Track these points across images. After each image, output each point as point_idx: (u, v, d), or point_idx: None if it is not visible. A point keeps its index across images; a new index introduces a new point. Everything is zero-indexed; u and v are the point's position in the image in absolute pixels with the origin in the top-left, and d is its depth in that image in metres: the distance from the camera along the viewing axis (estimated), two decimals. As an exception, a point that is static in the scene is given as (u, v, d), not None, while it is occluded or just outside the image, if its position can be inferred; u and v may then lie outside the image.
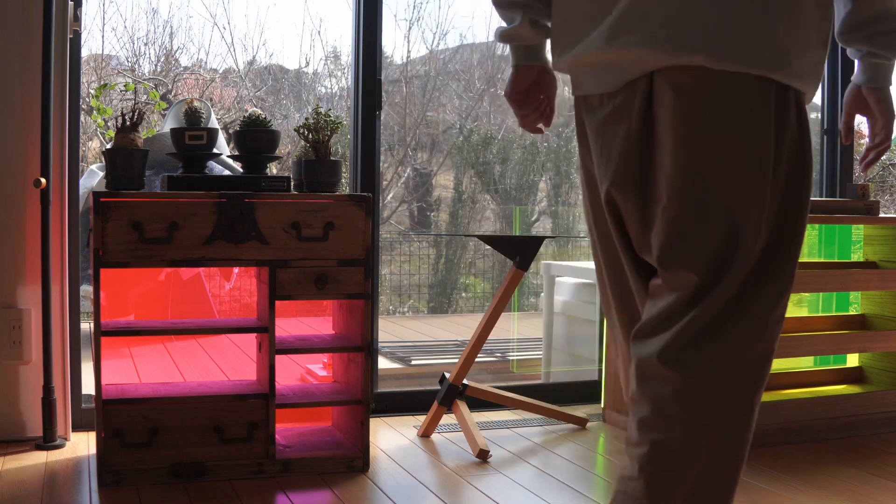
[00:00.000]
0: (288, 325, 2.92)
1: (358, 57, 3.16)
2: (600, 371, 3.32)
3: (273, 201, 2.48)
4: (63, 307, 2.80)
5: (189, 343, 3.01)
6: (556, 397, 3.41)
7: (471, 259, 6.92)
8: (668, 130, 1.42)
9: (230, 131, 4.74)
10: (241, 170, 2.65)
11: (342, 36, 6.72)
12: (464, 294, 6.87)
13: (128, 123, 2.51)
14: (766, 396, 3.09)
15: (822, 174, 3.86)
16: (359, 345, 2.60)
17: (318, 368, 3.00)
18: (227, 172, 3.27)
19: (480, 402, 3.14)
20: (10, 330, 2.77)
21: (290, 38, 7.15)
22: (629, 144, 1.47)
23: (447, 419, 3.11)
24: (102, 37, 5.96)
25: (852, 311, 3.43)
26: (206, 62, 6.35)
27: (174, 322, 2.70)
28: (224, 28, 6.25)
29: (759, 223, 1.41)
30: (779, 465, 2.70)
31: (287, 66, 6.61)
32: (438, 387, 2.97)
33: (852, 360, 3.42)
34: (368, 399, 2.59)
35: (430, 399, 3.07)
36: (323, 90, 6.77)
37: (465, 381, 2.95)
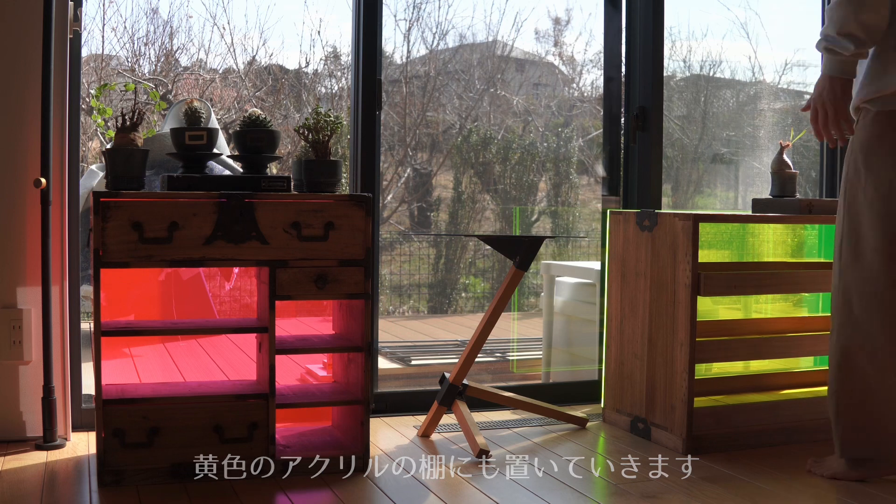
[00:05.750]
0: (288, 325, 2.92)
1: (358, 57, 3.16)
2: (600, 371, 3.32)
3: (273, 201, 2.48)
4: (63, 307, 2.80)
5: (189, 343, 3.01)
6: (556, 397, 3.41)
7: (471, 259, 6.92)
8: None
9: (230, 131, 4.74)
10: (241, 170, 2.65)
11: (342, 36, 6.72)
12: (464, 294, 6.87)
13: (128, 123, 2.51)
14: (766, 396, 3.09)
15: (821, 174, 3.86)
16: (359, 345, 2.60)
17: (318, 368, 3.00)
18: (227, 172, 3.27)
19: (480, 402, 3.14)
20: (10, 330, 2.77)
21: (290, 38, 7.15)
22: None
23: (447, 419, 3.11)
24: (102, 37, 5.96)
25: (852, 311, 3.43)
26: (206, 62, 6.36)
27: (174, 322, 2.70)
28: (224, 28, 6.25)
29: None
30: (779, 465, 2.70)
31: (287, 66, 6.61)
32: (438, 387, 2.97)
33: (852, 360, 3.42)
34: (368, 399, 2.59)
35: (430, 399, 3.07)
36: (323, 90, 6.77)
37: (465, 381, 2.95)
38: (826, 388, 3.23)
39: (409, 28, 6.76)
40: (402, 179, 6.83)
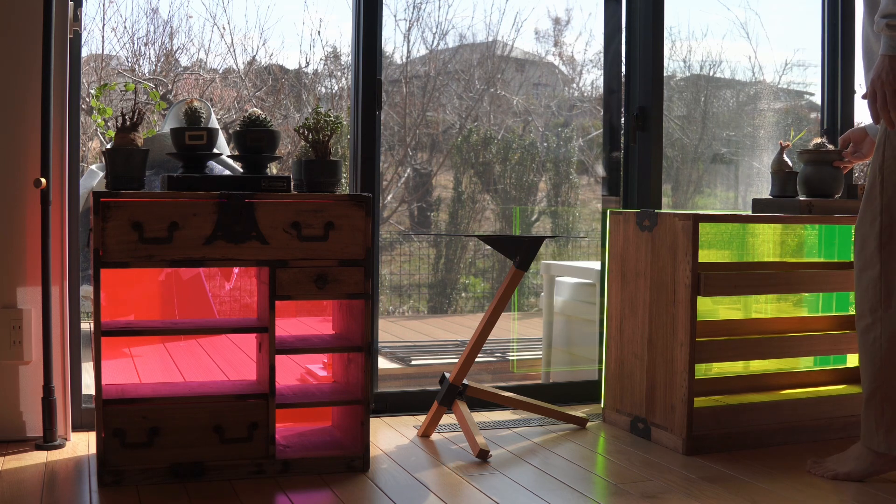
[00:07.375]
0: (288, 325, 2.92)
1: (358, 57, 3.16)
2: (600, 371, 3.32)
3: (273, 201, 2.48)
4: (63, 307, 2.80)
5: (189, 343, 3.02)
6: (556, 397, 3.41)
7: (471, 259, 6.92)
8: None
9: (230, 131, 4.74)
10: (241, 170, 2.65)
11: (342, 36, 6.73)
12: (464, 294, 6.87)
13: (128, 123, 2.51)
14: (766, 396, 3.09)
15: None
16: (359, 345, 2.60)
17: (318, 368, 3.01)
18: (227, 172, 3.27)
19: (480, 402, 3.14)
20: (10, 330, 2.77)
21: (290, 38, 7.15)
22: None
23: (447, 419, 3.11)
24: (102, 37, 5.96)
25: (852, 311, 3.43)
26: (206, 62, 6.36)
27: (174, 322, 2.70)
28: (224, 28, 6.25)
29: None
30: (779, 465, 2.70)
31: (287, 66, 6.62)
32: (438, 387, 2.97)
33: (852, 361, 3.42)
34: (368, 399, 2.59)
35: (430, 399, 3.07)
36: (323, 90, 6.77)
37: (465, 381, 2.95)
38: (827, 388, 3.23)
39: (409, 28, 6.76)
40: (402, 179, 6.83)
